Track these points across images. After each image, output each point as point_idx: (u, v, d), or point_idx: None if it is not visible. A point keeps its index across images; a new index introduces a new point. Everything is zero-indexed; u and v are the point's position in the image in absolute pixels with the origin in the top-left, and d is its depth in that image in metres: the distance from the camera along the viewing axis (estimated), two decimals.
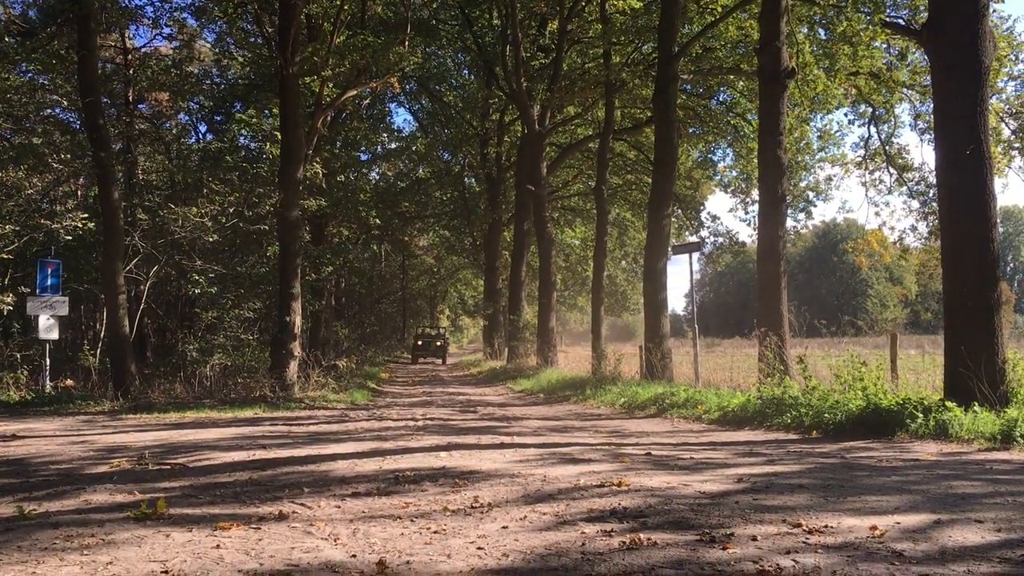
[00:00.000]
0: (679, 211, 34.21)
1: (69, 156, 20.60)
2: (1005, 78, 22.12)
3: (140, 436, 10.16)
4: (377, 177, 36.34)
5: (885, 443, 8.68)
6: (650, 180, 22.59)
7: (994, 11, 20.42)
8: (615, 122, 27.50)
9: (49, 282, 17.17)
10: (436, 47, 33.00)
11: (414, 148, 35.42)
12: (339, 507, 5.48)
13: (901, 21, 19.64)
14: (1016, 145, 22.93)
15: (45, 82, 22.15)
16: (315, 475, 6.82)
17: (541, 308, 28.92)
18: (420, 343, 42.13)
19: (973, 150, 9.61)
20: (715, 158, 34.46)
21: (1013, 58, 21.88)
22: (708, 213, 38.99)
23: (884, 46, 21.87)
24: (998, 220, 10.30)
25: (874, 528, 4.59)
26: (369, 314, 44.86)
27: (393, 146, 34.57)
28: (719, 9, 20.73)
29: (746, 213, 33.11)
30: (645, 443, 9.12)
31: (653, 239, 19.41)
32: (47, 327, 17.00)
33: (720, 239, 37.17)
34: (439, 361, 42.10)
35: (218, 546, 4.42)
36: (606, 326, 32.49)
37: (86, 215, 19.36)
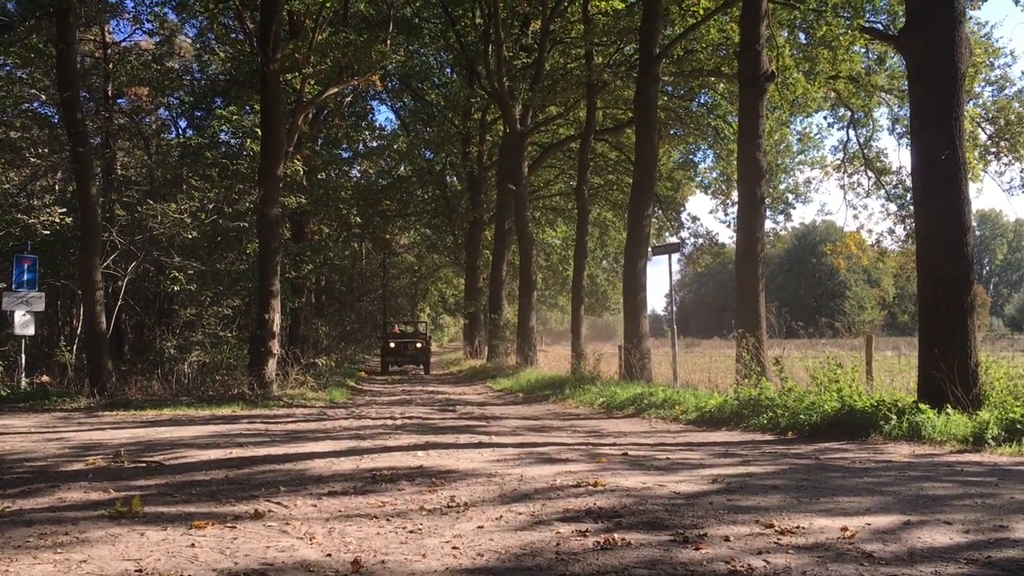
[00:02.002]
0: (659, 212, 34.31)
1: (47, 151, 20.46)
2: (982, 83, 22.41)
3: (116, 433, 10.10)
4: (358, 175, 36.26)
5: (859, 444, 8.77)
6: (631, 181, 22.65)
7: (971, 18, 20.66)
8: (597, 122, 27.58)
9: (25, 277, 17.01)
10: (419, 45, 32.96)
11: (396, 146, 35.33)
12: (315, 506, 5.49)
13: (880, 26, 19.86)
14: (992, 150, 23.22)
15: (23, 76, 21.96)
16: (292, 474, 6.81)
17: (521, 307, 28.95)
18: (392, 345, 31.75)
19: (948, 155, 9.72)
20: (696, 159, 34.69)
21: (990, 64, 22.14)
22: (688, 214, 39.23)
23: (863, 51, 22.08)
24: (973, 224, 10.42)
25: (845, 529, 4.64)
26: (349, 312, 44.61)
27: (375, 144, 34.48)
28: (700, 12, 20.83)
29: (726, 214, 33.35)
30: (622, 443, 9.17)
31: (633, 240, 19.48)
32: (23, 323, 16.85)
33: (700, 240, 37.42)
34: (419, 369, 32.77)
35: (193, 545, 4.42)
36: (586, 326, 32.53)
37: (63, 210, 19.23)
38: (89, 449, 8.46)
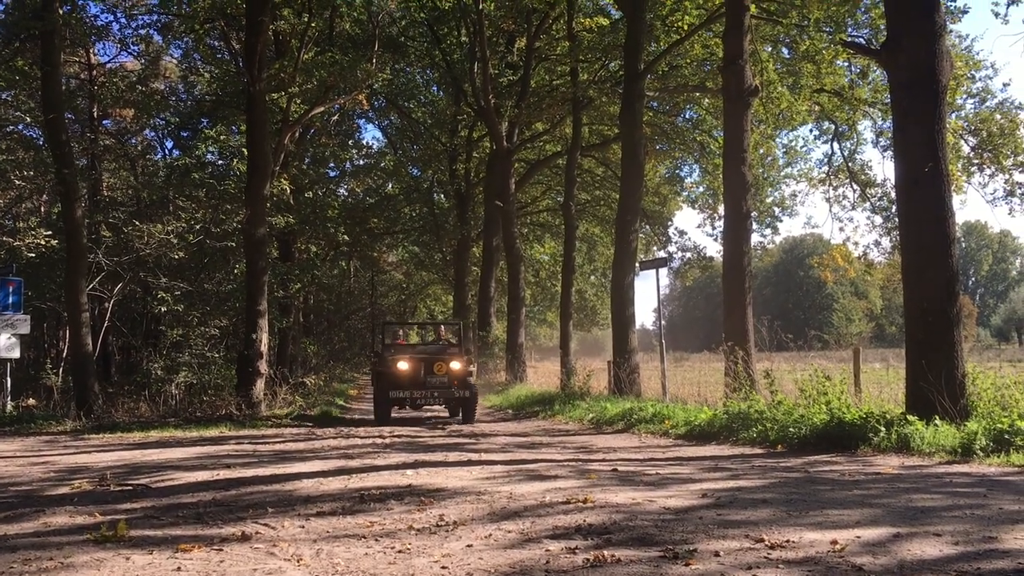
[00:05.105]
0: (647, 227, 34.44)
1: (32, 173, 20.38)
2: (964, 96, 22.58)
3: (102, 456, 10.02)
4: (345, 193, 36.22)
5: (848, 457, 8.78)
6: (618, 196, 22.73)
7: (951, 31, 20.87)
8: (583, 138, 27.69)
9: (10, 300, 16.91)
10: (404, 64, 33.05)
11: (383, 164, 35.35)
12: (303, 527, 5.44)
13: (862, 40, 20.01)
14: (975, 161, 23.38)
15: (8, 98, 21.91)
16: (280, 494, 6.76)
17: (510, 324, 28.94)
18: (404, 367, 15.91)
19: (931, 167, 9.78)
20: (682, 174, 34.86)
21: (971, 76, 22.33)
22: (676, 228, 39.14)
23: (846, 64, 22.26)
24: (958, 235, 10.49)
25: (835, 542, 4.63)
26: (338, 330, 44.46)
27: (362, 162, 34.49)
28: (684, 28, 20.98)
29: (713, 228, 33.42)
30: (612, 459, 9.15)
31: (620, 255, 19.52)
32: (8, 346, 16.73)
33: (688, 254, 37.49)
34: (444, 410, 18.68)
35: (179, 568, 4.37)
36: (575, 341, 32.52)
37: (49, 232, 19.13)
38: (75, 472, 8.38)
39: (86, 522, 5.66)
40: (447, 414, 18.11)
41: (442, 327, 20.50)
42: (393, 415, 16.67)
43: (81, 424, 14.82)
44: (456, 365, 16.23)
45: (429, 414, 18.71)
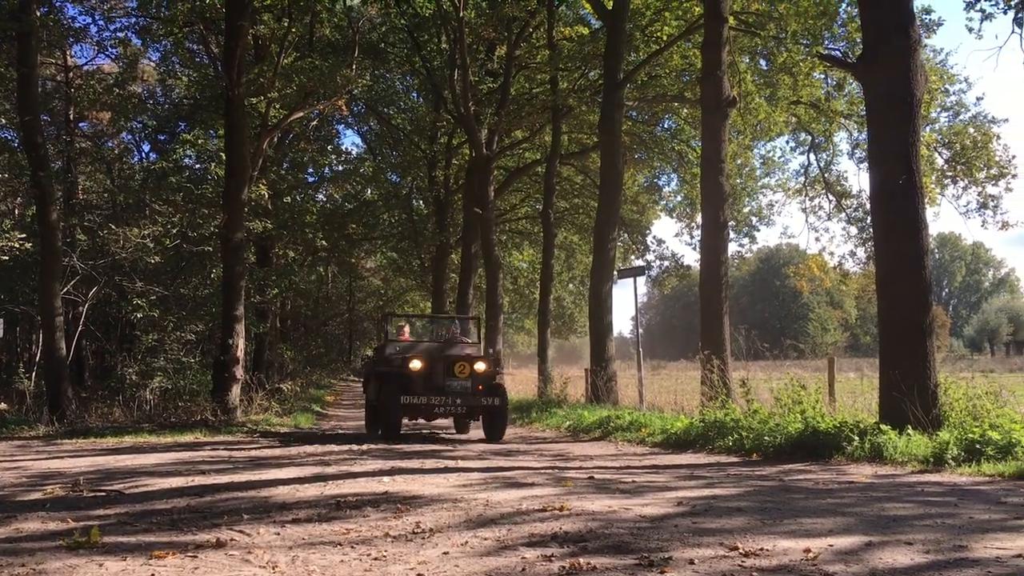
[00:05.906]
0: (625, 235, 34.56)
1: (7, 175, 20.17)
2: (938, 109, 22.87)
3: (75, 462, 9.93)
4: (324, 199, 36.12)
5: (822, 466, 8.85)
6: (596, 204, 22.82)
7: (926, 45, 21.14)
8: (562, 147, 27.75)
9: None
10: (384, 70, 33.00)
11: (362, 170, 35.26)
12: (279, 534, 5.42)
13: (838, 53, 20.23)
14: (949, 174, 23.68)
15: None
16: (255, 501, 6.73)
17: (488, 331, 28.84)
18: (417, 366, 13.07)
19: (906, 179, 9.90)
20: (660, 183, 35.02)
21: (945, 90, 22.63)
22: (654, 237, 39.01)
23: (823, 77, 22.49)
24: (931, 247, 10.62)
25: (808, 551, 4.67)
26: (315, 336, 44.30)
27: (341, 168, 34.37)
28: (664, 38, 21.14)
29: (691, 237, 33.60)
30: (588, 467, 9.17)
31: (599, 263, 19.60)
32: None
33: (666, 263, 37.61)
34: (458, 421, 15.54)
35: (152, 575, 4.35)
36: (553, 349, 32.61)
37: (23, 235, 18.96)
38: (47, 478, 8.30)
39: (59, 528, 5.61)
40: (453, 428, 15.63)
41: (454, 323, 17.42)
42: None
43: (54, 429, 14.68)
44: (481, 366, 13.41)
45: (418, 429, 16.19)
